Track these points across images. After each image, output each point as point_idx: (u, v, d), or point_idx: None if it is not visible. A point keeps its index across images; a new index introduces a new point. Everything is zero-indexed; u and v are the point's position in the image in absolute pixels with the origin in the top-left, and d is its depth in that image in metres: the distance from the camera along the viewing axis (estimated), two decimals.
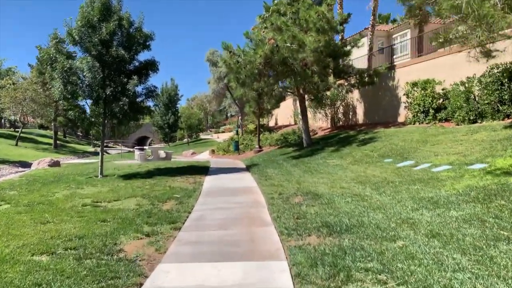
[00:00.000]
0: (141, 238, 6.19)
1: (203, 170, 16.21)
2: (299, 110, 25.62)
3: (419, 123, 15.38)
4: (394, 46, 27.87)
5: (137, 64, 15.61)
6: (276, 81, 17.71)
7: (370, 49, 25.68)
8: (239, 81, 16.40)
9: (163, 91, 53.67)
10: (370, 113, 20.45)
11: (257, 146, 23.63)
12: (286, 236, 5.86)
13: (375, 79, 18.34)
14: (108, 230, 6.55)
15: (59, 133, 67.93)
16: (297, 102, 32.30)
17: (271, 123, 38.34)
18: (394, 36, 32.24)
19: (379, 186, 8.90)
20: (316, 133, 22.31)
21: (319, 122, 24.33)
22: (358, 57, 23.51)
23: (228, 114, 76.37)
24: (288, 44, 15.91)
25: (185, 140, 51.45)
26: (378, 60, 24.86)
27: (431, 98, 14.65)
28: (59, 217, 7.71)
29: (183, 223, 7.18)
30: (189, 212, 8.10)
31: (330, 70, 19.00)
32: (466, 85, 13.19)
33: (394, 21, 49.31)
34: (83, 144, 62.53)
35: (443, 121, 14.39)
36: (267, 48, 15.23)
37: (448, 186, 7.89)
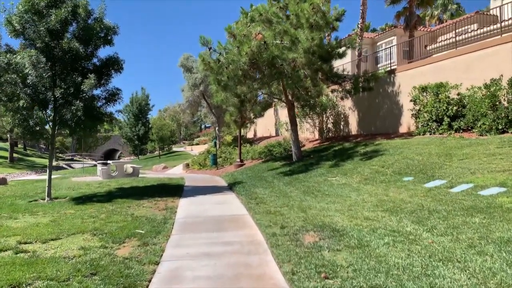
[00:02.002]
0: None
1: (176, 190, 13.47)
2: (283, 120, 23.30)
3: (430, 134, 13.25)
4: (385, 51, 26.14)
5: (96, 62, 12.88)
6: (262, 84, 15.27)
7: (359, 54, 23.79)
8: (220, 83, 13.84)
9: (133, 100, 50.56)
10: (365, 123, 18.30)
11: (238, 159, 21.05)
12: None
13: (372, 84, 16.24)
14: None
15: (19, 145, 63.11)
16: (278, 111, 30.10)
17: (250, 135, 35.87)
18: (379, 43, 30.71)
19: (420, 218, 6.52)
20: (304, 145, 19.96)
21: (306, 133, 22.03)
22: (341, 64, 21.31)
23: (203, 126, 73.47)
24: (278, 41, 13.56)
25: (157, 152, 48.21)
26: (366, 67, 22.95)
27: (445, 105, 12.56)
28: None
29: None
30: (157, 264, 5.43)
31: (322, 74, 16.79)
32: (491, 88, 11.16)
33: (374, 30, 48.38)
34: (45, 158, 57.98)
35: (461, 131, 12.32)
36: (253, 44, 12.79)
37: None
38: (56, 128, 12.13)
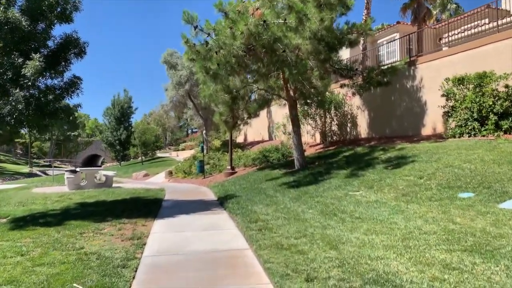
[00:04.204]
0: None
1: (152, 206, 10.62)
2: (279, 121, 20.63)
3: (470, 135, 10.70)
4: (388, 49, 23.71)
5: (50, 44, 10.04)
6: (259, 77, 12.55)
7: (364, 48, 21.31)
8: (208, 72, 11.05)
9: (114, 103, 47.34)
10: (377, 124, 15.73)
11: (228, 166, 18.26)
12: None
13: (388, 78, 13.68)
14: None
15: None
16: (272, 112, 27.40)
17: (240, 139, 33.06)
18: (379, 41, 28.38)
19: None
20: (305, 150, 17.24)
21: (306, 136, 19.35)
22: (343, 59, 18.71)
23: (189, 131, 70.39)
24: (282, 20, 10.90)
25: (140, 159, 45.07)
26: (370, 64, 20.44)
27: (491, 99, 10.03)
28: None
29: None
30: None
31: (330, 66, 14.20)
32: None
33: (370, 30, 46.25)
34: (20, 164, 54.24)
35: None
36: (251, 22, 10.10)
37: None
38: None
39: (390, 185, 8.71)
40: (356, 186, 9.40)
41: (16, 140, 66.58)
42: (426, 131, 13.39)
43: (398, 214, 6.71)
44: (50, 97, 9.79)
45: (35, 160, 60.48)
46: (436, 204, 6.83)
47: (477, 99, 10.32)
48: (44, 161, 62.37)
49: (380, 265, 4.63)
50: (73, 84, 9.90)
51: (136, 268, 5.29)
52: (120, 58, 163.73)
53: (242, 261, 5.57)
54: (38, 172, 42.56)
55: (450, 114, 11.35)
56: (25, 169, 46.37)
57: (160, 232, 7.51)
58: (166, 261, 5.68)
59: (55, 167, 57.82)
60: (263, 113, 26.47)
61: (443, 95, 11.43)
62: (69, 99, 9.84)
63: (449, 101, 11.35)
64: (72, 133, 73.86)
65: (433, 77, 12.99)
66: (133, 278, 4.93)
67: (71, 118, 10.70)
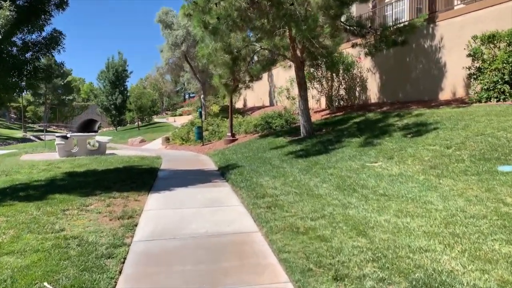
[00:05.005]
0: None
1: (147, 176, 9.66)
2: (282, 85, 19.43)
3: (499, 100, 9.62)
4: (395, 9, 22.07)
5: None
6: (264, 33, 11.28)
7: (374, 6, 19.80)
8: (207, 26, 9.77)
9: (108, 66, 45.70)
10: (389, 88, 14.60)
11: (229, 133, 17.24)
12: None
13: (404, 38, 12.42)
14: None
15: None
16: (273, 76, 26.03)
17: (239, 105, 31.83)
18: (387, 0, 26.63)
19: None
20: (310, 116, 16.17)
21: (311, 101, 18.18)
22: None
23: (186, 96, 68.80)
24: None
25: (136, 124, 43.89)
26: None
27: None
28: None
29: None
30: None
31: (341, 22, 12.91)
32: None
33: None
34: (13, 128, 53.06)
35: None
36: None
37: None
38: None
39: (413, 155, 7.73)
40: (373, 156, 8.42)
41: (10, 104, 65.03)
42: (444, 95, 12.30)
43: (431, 191, 5.77)
44: (28, 55, 8.63)
45: (29, 125, 59.25)
46: (475, 180, 5.87)
47: (510, 59, 9.18)
48: (39, 126, 61.11)
49: (426, 260, 3.72)
50: (53, 39, 8.68)
51: (124, 259, 4.37)
52: (114, 19, 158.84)
53: (251, 249, 4.66)
54: (31, 137, 41.51)
55: (476, 77, 10.23)
56: (19, 134, 45.28)
57: (155, 209, 6.58)
58: (160, 248, 4.77)
59: (50, 131, 56.58)
60: (264, 77, 25.15)
61: (469, 55, 10.26)
62: (49, 56, 8.64)
63: (476, 61, 10.20)
64: (67, 97, 72.27)
65: (454, 36, 11.77)
66: (120, 273, 4.02)
67: (52, 78, 9.52)
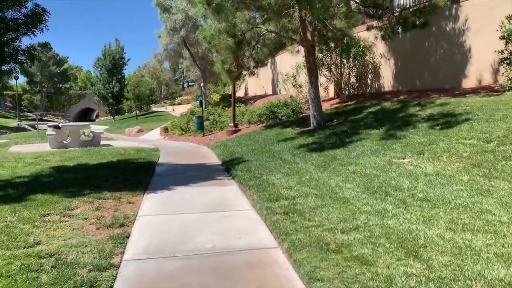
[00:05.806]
0: None
1: (142, 173, 8.66)
2: (288, 72, 18.31)
3: None
4: None
5: None
6: (273, 14, 10.18)
7: None
8: (210, 3, 8.68)
9: (105, 53, 44.52)
10: (405, 75, 13.55)
11: (231, 123, 16.20)
12: None
13: (424, 19, 11.34)
14: None
15: None
16: (277, 63, 24.79)
17: (240, 93, 30.71)
18: None
19: None
20: (321, 106, 15.12)
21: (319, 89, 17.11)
22: None
23: (185, 84, 67.49)
24: None
25: (134, 113, 42.78)
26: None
27: None
28: None
29: None
30: None
31: (356, 3, 11.83)
32: None
33: None
34: (9, 117, 51.86)
35: None
36: None
37: None
38: None
39: (448, 150, 6.73)
40: (399, 151, 7.43)
41: (5, 92, 63.76)
42: (468, 83, 11.26)
43: (484, 196, 4.79)
44: (9, 34, 7.55)
45: (25, 114, 58.05)
46: None
47: None
48: (35, 115, 59.90)
49: None
50: (35, 16, 7.59)
51: None
52: (111, 4, 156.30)
53: (273, 274, 3.68)
54: (26, 126, 40.38)
55: (510, 61, 9.18)
56: (13, 123, 44.14)
57: (151, 215, 5.60)
58: (156, 271, 3.78)
59: (46, 120, 55.29)
60: (267, 64, 24.01)
61: (502, 37, 9.19)
62: (31, 36, 7.58)
63: (510, 44, 9.14)
64: (64, 86, 70.95)
65: (482, 17, 10.70)
66: None
67: (34, 61, 8.44)
